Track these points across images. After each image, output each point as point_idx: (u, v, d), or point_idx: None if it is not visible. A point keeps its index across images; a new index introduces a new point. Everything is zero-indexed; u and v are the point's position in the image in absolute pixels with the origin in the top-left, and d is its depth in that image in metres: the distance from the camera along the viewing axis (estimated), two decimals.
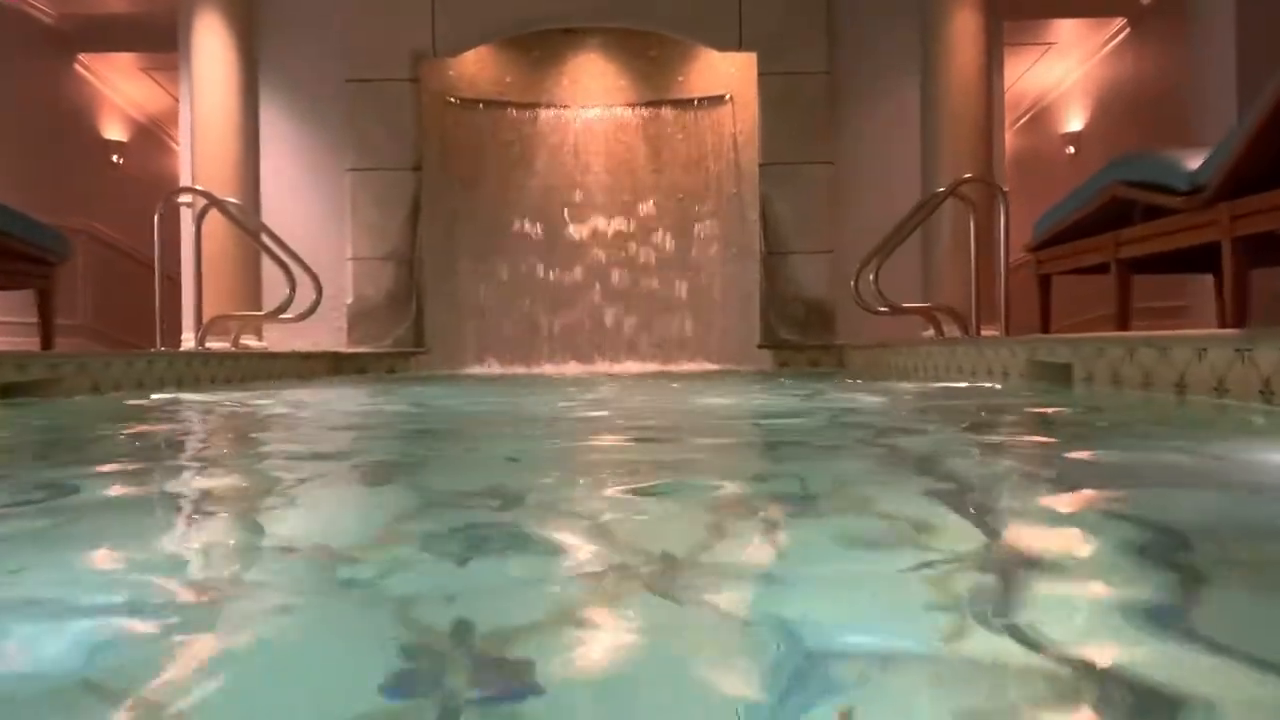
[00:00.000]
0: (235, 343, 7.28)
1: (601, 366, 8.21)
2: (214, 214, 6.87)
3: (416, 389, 4.96)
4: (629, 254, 8.56)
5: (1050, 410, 2.84)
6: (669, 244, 8.55)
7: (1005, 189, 6.78)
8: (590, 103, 8.58)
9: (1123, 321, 3.94)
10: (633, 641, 0.68)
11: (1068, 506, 1.20)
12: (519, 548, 0.96)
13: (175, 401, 3.85)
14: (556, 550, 0.95)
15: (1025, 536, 1.02)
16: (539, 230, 8.54)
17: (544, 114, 8.57)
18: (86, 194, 9.66)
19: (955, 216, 7.20)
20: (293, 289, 6.74)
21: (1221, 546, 0.96)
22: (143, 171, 10.67)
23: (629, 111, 8.58)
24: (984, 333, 6.75)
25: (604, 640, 0.67)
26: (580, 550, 0.94)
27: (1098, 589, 0.80)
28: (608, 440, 2.18)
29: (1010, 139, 8.76)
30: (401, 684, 0.58)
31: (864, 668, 0.59)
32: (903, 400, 3.41)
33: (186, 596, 0.80)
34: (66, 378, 4.05)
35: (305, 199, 7.99)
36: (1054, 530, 1.06)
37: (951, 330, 6.93)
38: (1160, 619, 0.69)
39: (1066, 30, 9.42)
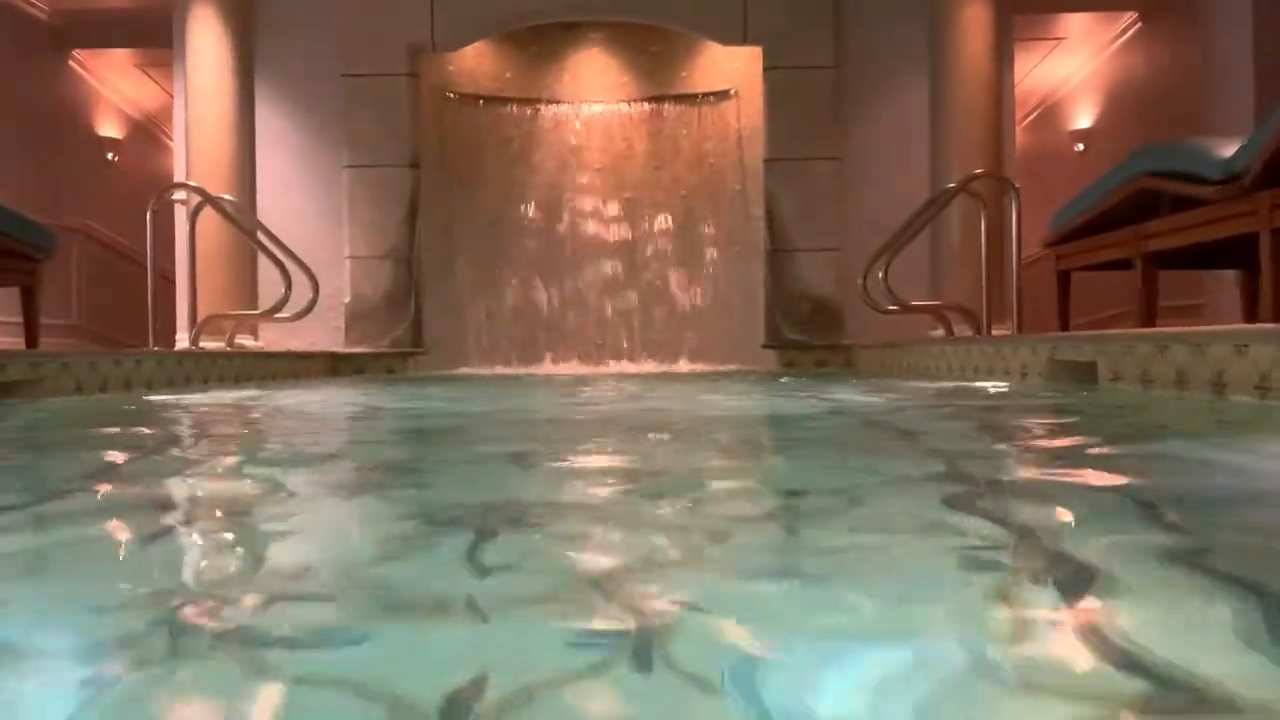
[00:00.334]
0: (230, 342, 7.12)
1: (602, 367, 8.06)
2: (209, 211, 6.72)
3: (412, 391, 4.81)
4: (631, 252, 8.40)
5: (1114, 422, 2.63)
6: (671, 242, 8.39)
7: (1017, 185, 6.62)
8: (592, 99, 8.43)
9: (1148, 319, 3.78)
10: None
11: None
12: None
13: (156, 404, 3.70)
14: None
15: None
16: (539, 228, 8.38)
17: (545, 110, 8.41)
18: (82, 192, 9.51)
19: (965, 213, 7.05)
20: (288, 288, 6.59)
21: None
22: (139, 169, 10.52)
23: (631, 107, 8.43)
24: (995, 331, 6.60)
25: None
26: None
27: None
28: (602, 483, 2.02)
29: (1018, 136, 8.57)
30: None
31: None
32: (940, 410, 3.25)
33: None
34: (49, 378, 3.90)
35: (301, 196, 7.84)
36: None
37: (961, 329, 6.78)
38: None
39: (1075, 25, 9.26)
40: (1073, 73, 10.10)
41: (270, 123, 7.80)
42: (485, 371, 7.77)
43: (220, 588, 0.78)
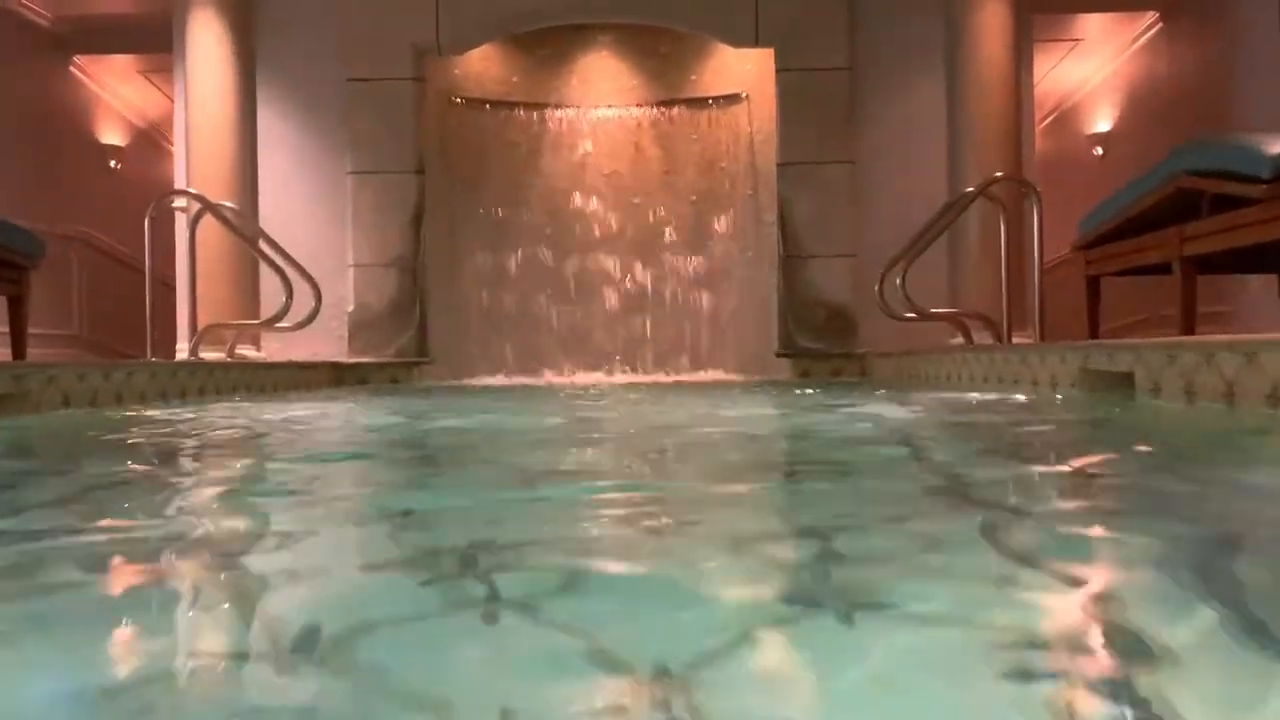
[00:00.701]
0: (231, 353, 6.96)
1: (612, 376, 7.87)
2: (210, 219, 6.56)
3: (412, 404, 4.64)
4: (640, 259, 8.22)
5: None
6: (682, 248, 8.21)
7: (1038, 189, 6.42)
8: (600, 103, 8.25)
9: (1188, 326, 3.58)
10: None
11: None
12: None
13: (143, 418, 3.52)
14: None
15: None
16: (547, 235, 8.21)
17: (552, 114, 8.24)
18: (83, 200, 9.37)
19: (984, 218, 6.85)
20: (289, 296, 6.43)
21: None
22: (142, 177, 10.38)
23: (640, 111, 8.26)
24: (1015, 340, 6.40)
25: None
26: None
27: None
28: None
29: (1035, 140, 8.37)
30: None
31: None
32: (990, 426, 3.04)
33: None
34: (33, 391, 3.73)
35: (304, 203, 7.68)
36: None
37: (981, 338, 6.58)
38: None
39: (1093, 25, 9.06)
40: (1090, 75, 9.90)
41: (272, 128, 7.64)
42: (492, 381, 7.59)
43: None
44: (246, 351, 7.27)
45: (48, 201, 8.52)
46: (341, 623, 0.74)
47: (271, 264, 6.59)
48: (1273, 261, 3.87)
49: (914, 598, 0.76)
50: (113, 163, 10.17)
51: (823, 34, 7.38)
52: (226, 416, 3.62)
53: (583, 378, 7.76)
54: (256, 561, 0.98)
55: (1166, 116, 8.47)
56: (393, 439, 2.68)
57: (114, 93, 10.05)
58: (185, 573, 0.96)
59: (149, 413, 3.77)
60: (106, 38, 8.97)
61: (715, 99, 8.16)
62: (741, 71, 7.96)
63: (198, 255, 6.77)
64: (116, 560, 1.03)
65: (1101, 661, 0.62)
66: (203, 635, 0.77)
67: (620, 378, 7.77)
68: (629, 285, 8.20)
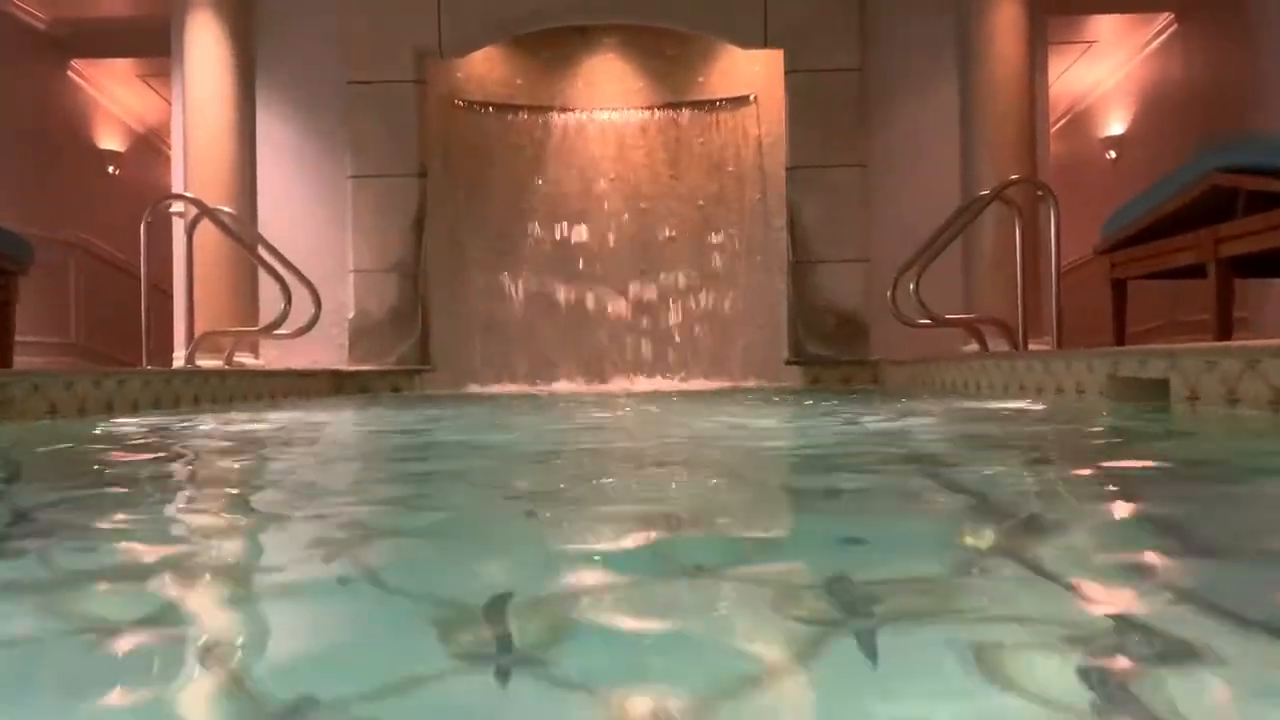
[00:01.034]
0: (229, 360, 6.82)
1: (617, 384, 7.72)
2: (208, 224, 6.42)
3: (409, 416, 4.48)
4: (646, 265, 8.06)
5: None
6: (689, 253, 8.04)
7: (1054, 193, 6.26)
8: (605, 105, 8.11)
9: (1223, 331, 3.42)
10: None
11: None
12: None
13: (119, 429, 3.37)
14: None
15: None
16: (551, 240, 8.06)
17: (556, 118, 8.10)
18: (81, 206, 9.25)
19: (999, 221, 6.69)
20: (288, 302, 6.29)
21: None
22: (141, 183, 10.25)
23: (646, 114, 8.11)
24: (1032, 346, 6.24)
25: None
26: None
27: None
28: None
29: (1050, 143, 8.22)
30: None
31: None
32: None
33: None
34: (17, 399, 3.58)
35: (304, 207, 7.53)
36: None
37: (996, 344, 6.42)
38: None
39: (1106, 27, 8.91)
40: (1103, 78, 9.75)
41: (271, 131, 7.50)
42: (495, 389, 7.44)
43: None
44: (245, 359, 7.13)
45: (45, 207, 8.39)
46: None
47: (270, 270, 6.46)
48: None
49: None
50: (111, 168, 10.05)
51: (833, 34, 7.23)
52: (202, 428, 3.46)
53: (588, 386, 7.60)
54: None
55: (1182, 119, 8.32)
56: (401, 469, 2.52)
57: (112, 97, 9.93)
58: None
59: (130, 423, 3.61)
60: (104, 41, 8.85)
61: (722, 101, 8.01)
62: (749, 73, 7.82)
63: (195, 261, 6.64)
64: None
65: None
66: None
67: (627, 385, 7.61)
68: (635, 291, 8.04)
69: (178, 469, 2.10)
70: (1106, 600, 0.79)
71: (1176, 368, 3.15)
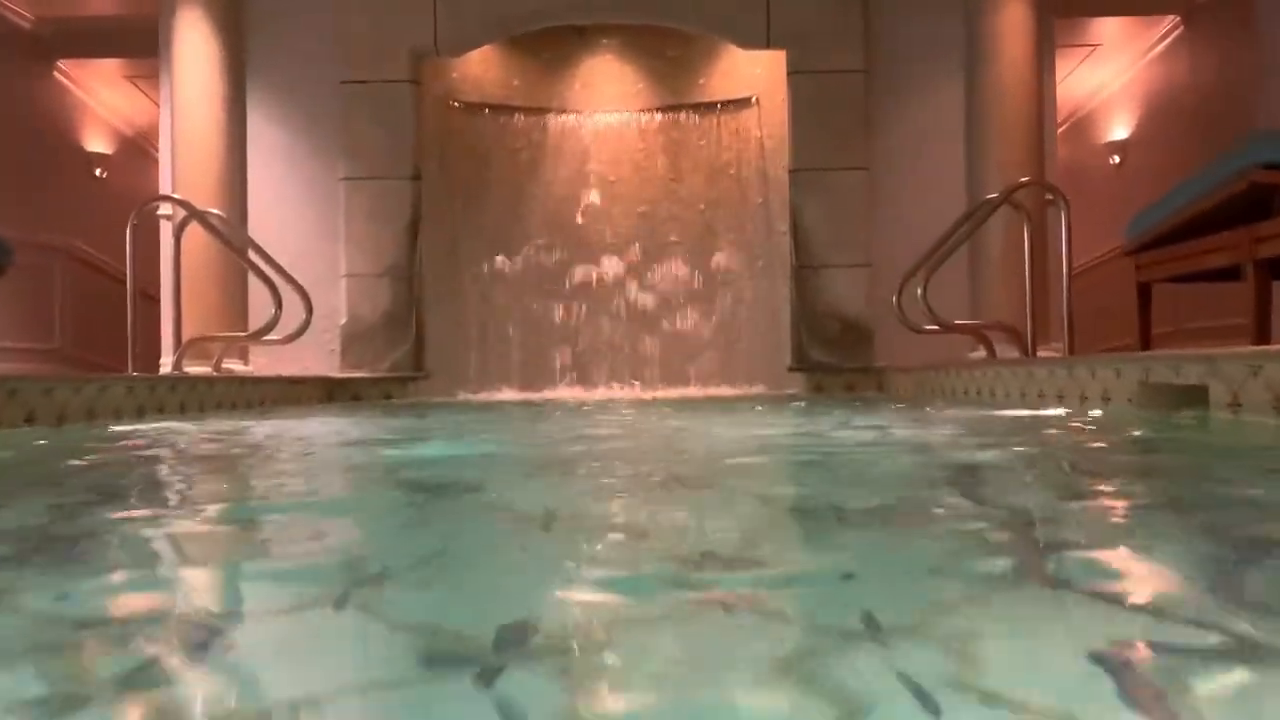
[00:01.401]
0: (217, 367, 6.63)
1: (617, 391, 7.54)
2: (196, 227, 6.23)
3: (402, 427, 4.31)
4: (646, 269, 7.89)
5: None
6: (690, 258, 7.88)
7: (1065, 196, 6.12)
8: (604, 107, 7.95)
9: (1262, 335, 3.26)
10: None
11: None
12: None
13: (103, 437, 3.19)
14: None
15: None
16: (549, 244, 7.88)
17: (554, 119, 7.93)
18: (66, 209, 9.04)
19: (1006, 225, 6.55)
20: (278, 307, 6.09)
21: None
22: (129, 186, 10.05)
23: (646, 117, 7.95)
24: (1040, 353, 6.10)
25: None
26: None
27: None
28: None
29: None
30: None
31: None
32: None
33: None
34: None
35: (295, 210, 7.35)
36: None
37: (1005, 351, 6.27)
38: None
39: (1111, 30, 8.79)
40: (1107, 81, 9.63)
41: (262, 132, 7.32)
42: (491, 397, 7.25)
43: None
44: (234, 366, 6.94)
45: (29, 210, 8.19)
46: None
47: (260, 274, 6.27)
48: None
49: None
50: (98, 171, 9.84)
51: (836, 35, 7.09)
52: (227, 433, 3.28)
53: (587, 394, 7.42)
54: None
55: (1188, 123, 8.20)
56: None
57: (99, 99, 9.73)
58: None
59: (102, 431, 3.42)
60: (91, 41, 8.66)
61: (724, 103, 7.85)
62: (751, 75, 7.67)
63: (183, 265, 6.45)
64: None
65: None
66: None
67: (626, 393, 7.43)
68: (635, 297, 7.87)
69: (135, 484, 1.92)
70: None
71: (1217, 373, 2.99)
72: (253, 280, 6.68)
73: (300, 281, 6.31)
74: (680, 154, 7.90)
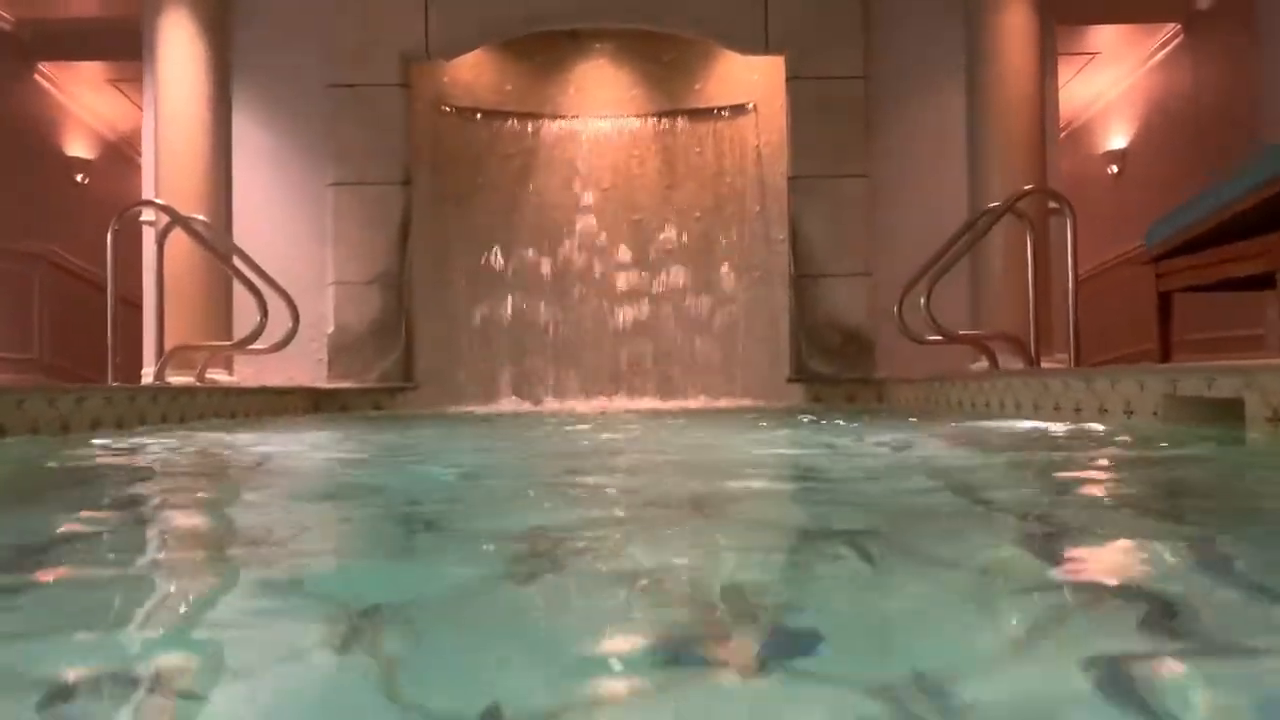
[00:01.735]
0: (201, 377, 6.43)
1: (611, 403, 7.37)
2: (179, 233, 6.04)
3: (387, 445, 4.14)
4: (641, 278, 7.73)
5: None
6: (685, 267, 7.72)
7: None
8: (598, 113, 7.79)
9: None
10: None
11: None
12: None
13: (65, 451, 3.01)
14: None
15: None
16: (542, 252, 7.71)
17: (548, 125, 7.78)
18: (47, 216, 8.83)
19: (1009, 234, 6.42)
20: (264, 316, 5.91)
21: None
22: (111, 193, 9.84)
23: (641, 122, 7.80)
24: (1043, 364, 5.96)
25: None
26: None
27: None
28: None
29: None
30: None
31: None
32: None
33: None
34: None
35: (282, 216, 7.16)
36: None
37: (1006, 362, 6.14)
38: None
39: (1110, 38, 8.70)
40: (1105, 90, 9.55)
41: (248, 135, 7.14)
42: (482, 409, 7.07)
43: None
44: (218, 376, 6.75)
45: (8, 217, 7.99)
46: None
47: (245, 281, 6.08)
48: None
49: None
50: (80, 177, 9.63)
51: (836, 40, 6.96)
52: (204, 446, 3.10)
53: (580, 406, 7.25)
54: None
55: (1188, 134, 8.11)
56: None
57: (82, 103, 9.53)
58: None
59: (74, 447, 3.24)
60: (74, 43, 8.47)
61: (720, 110, 7.71)
62: (748, 81, 7.53)
63: (166, 272, 6.24)
64: None
65: None
66: None
67: (620, 405, 7.27)
68: (630, 306, 7.71)
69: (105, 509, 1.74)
70: None
71: (1253, 386, 2.84)
72: (238, 288, 6.49)
73: (287, 289, 6.13)
74: (676, 161, 7.75)
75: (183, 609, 0.94)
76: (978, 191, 6.84)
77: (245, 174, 7.13)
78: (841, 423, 4.41)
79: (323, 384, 6.87)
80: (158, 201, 6.28)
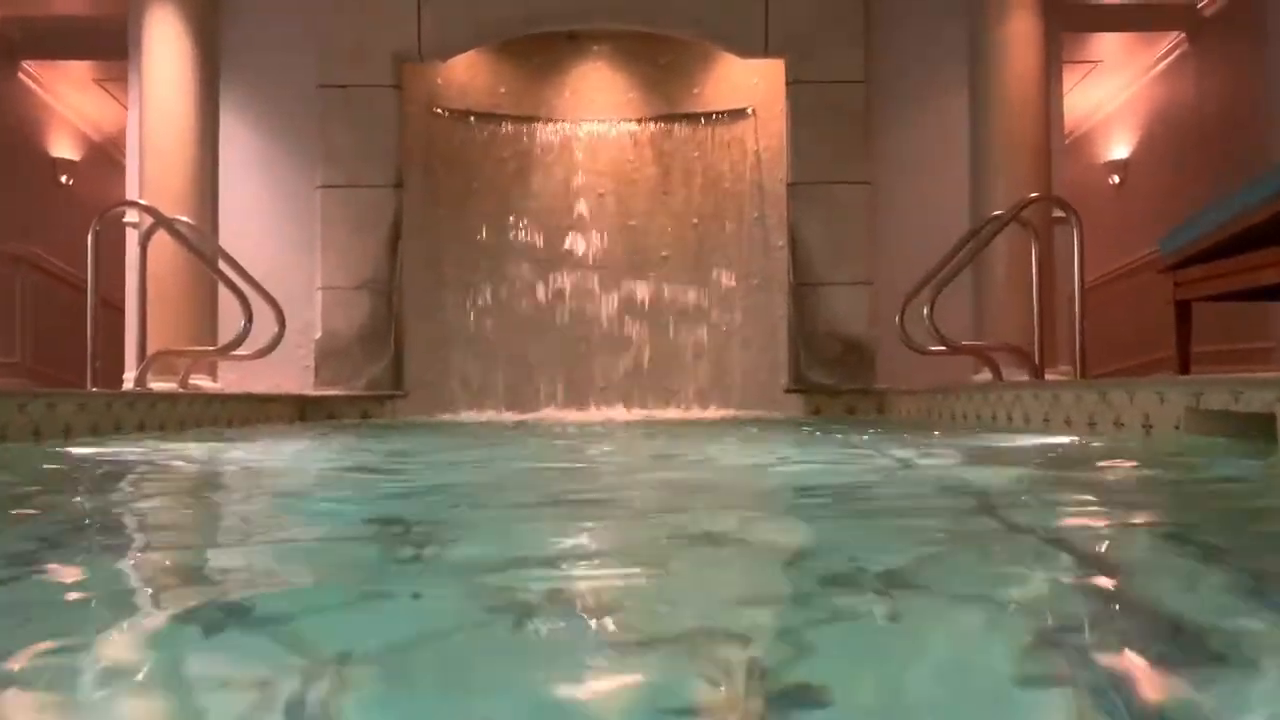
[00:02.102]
0: (184, 383, 6.25)
1: (606, 413, 7.21)
2: (163, 235, 5.87)
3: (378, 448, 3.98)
4: (637, 286, 7.57)
5: None
6: (683, 275, 7.57)
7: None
8: (595, 116, 7.64)
9: None
10: None
11: None
12: None
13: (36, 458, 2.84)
14: None
15: None
16: (535, 258, 7.55)
17: (543, 128, 7.62)
18: (29, 217, 8.65)
19: (1012, 243, 6.29)
20: (249, 320, 5.74)
21: None
22: (96, 195, 9.64)
23: (638, 126, 7.65)
24: (1047, 376, 5.83)
25: None
26: None
27: None
28: None
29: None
30: None
31: None
32: None
33: None
34: None
35: (269, 219, 7.00)
36: None
37: (1009, 373, 6.01)
38: None
39: (1112, 46, 8.59)
40: (1106, 99, 9.44)
41: (236, 136, 6.98)
42: (473, 417, 6.90)
43: None
44: (201, 382, 6.57)
45: None
46: None
47: (230, 285, 5.91)
48: None
49: None
50: (64, 178, 9.45)
51: (837, 44, 6.83)
52: (177, 458, 2.93)
53: (574, 415, 7.09)
54: None
55: (1192, 141, 8.01)
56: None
57: (67, 103, 9.36)
58: None
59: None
60: (59, 41, 8.29)
61: (718, 114, 7.57)
62: (747, 85, 7.40)
63: (149, 275, 6.07)
64: None
65: None
66: None
67: (615, 415, 7.11)
68: (625, 314, 7.55)
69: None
70: None
71: None
72: (223, 292, 6.32)
73: (273, 294, 5.97)
74: (673, 165, 7.61)
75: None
76: (981, 199, 6.71)
77: (232, 175, 6.97)
78: (867, 435, 4.25)
79: (309, 391, 6.70)
80: (140, 202, 6.12)
